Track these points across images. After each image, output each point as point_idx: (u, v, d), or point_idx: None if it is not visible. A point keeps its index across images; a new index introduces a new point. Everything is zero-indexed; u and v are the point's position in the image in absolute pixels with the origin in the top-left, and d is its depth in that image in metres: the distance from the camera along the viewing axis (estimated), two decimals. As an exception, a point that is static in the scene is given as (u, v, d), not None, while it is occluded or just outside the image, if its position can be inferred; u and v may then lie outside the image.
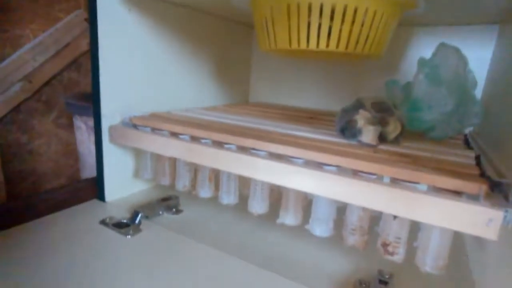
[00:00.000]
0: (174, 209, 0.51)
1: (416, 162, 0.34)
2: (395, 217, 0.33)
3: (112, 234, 0.43)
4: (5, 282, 0.33)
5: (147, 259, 0.38)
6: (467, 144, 0.47)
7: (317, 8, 0.41)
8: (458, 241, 0.45)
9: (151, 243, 0.42)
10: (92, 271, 0.35)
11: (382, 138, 0.42)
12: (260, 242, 0.44)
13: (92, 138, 0.53)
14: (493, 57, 0.57)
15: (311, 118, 0.60)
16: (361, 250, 0.37)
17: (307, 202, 0.42)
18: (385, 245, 0.34)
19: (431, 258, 0.32)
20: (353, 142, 0.41)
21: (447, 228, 0.28)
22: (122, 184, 0.55)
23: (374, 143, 0.40)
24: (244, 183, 0.47)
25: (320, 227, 0.39)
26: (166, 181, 0.51)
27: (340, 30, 0.42)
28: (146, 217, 0.47)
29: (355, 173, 0.33)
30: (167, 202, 0.51)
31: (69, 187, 0.59)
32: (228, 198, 0.46)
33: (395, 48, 0.65)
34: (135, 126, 0.49)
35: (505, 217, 0.26)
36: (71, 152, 1.26)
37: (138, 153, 0.54)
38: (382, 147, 0.40)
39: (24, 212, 0.47)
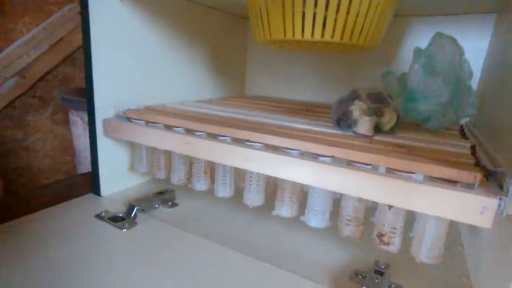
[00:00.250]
0: (170, 203, 0.50)
1: (411, 152, 0.34)
2: (390, 207, 0.33)
3: (108, 227, 0.43)
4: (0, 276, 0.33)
5: (143, 253, 0.38)
6: (463, 134, 0.47)
7: (312, -2, 0.40)
8: (453, 231, 0.45)
9: (146, 236, 0.42)
10: (87, 265, 0.35)
11: (377, 129, 0.41)
12: (256, 234, 0.44)
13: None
14: (489, 47, 0.56)
15: (307, 110, 0.59)
16: (357, 241, 0.37)
17: (303, 194, 0.42)
18: (380, 235, 0.34)
19: (426, 248, 0.32)
20: (349, 133, 0.41)
21: (442, 217, 0.28)
22: (118, 178, 0.54)
23: (369, 134, 0.40)
24: (240, 175, 0.47)
25: (316, 219, 0.39)
26: (161, 174, 0.51)
27: (335, 20, 0.42)
28: (142, 210, 0.47)
29: (350, 164, 0.33)
30: (163, 196, 0.51)
31: (64, 182, 0.59)
32: (224, 190, 0.46)
33: (392, 39, 0.64)
34: (129, 119, 0.49)
35: (499, 205, 0.26)
36: (68, 147, 1.25)
37: (133, 147, 0.54)
38: (378, 137, 0.40)
39: (19, 207, 0.47)
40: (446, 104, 0.43)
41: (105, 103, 0.49)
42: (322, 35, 0.43)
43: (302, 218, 0.40)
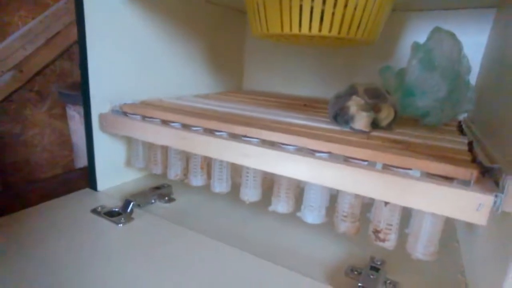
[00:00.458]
0: (166, 198, 0.50)
1: (408, 148, 0.34)
2: (386, 203, 0.33)
3: (104, 222, 0.43)
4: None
5: (139, 248, 0.38)
6: (460, 130, 0.47)
7: (310, -9, 0.40)
8: (449, 227, 0.45)
9: (142, 231, 0.42)
10: (83, 260, 0.35)
11: (375, 125, 0.41)
12: (253, 229, 0.44)
13: (86, 127, 0.52)
14: (488, 42, 0.56)
15: (304, 105, 0.59)
16: (353, 237, 0.37)
17: (299, 190, 0.42)
18: (376, 231, 0.34)
19: (422, 245, 0.32)
20: (346, 129, 0.41)
21: (438, 214, 0.28)
22: (114, 173, 0.54)
23: (366, 129, 0.40)
24: (237, 171, 0.47)
25: (312, 215, 0.38)
26: (158, 169, 0.51)
27: (333, 14, 0.41)
28: (138, 205, 0.47)
29: (347, 160, 0.33)
30: (160, 191, 0.50)
31: (61, 177, 0.59)
32: (220, 186, 0.45)
33: (390, 34, 0.64)
34: (125, 114, 0.48)
35: (494, 202, 0.26)
36: (66, 142, 1.25)
37: (130, 142, 0.53)
38: (375, 133, 0.40)
39: (15, 201, 0.47)
40: (444, 99, 0.43)
41: (101, 97, 0.49)
42: (320, 29, 0.42)
43: (298, 214, 0.40)
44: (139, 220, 0.44)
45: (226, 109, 0.50)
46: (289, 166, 0.34)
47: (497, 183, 0.28)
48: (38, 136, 1.18)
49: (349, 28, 0.42)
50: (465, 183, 0.29)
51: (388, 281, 0.34)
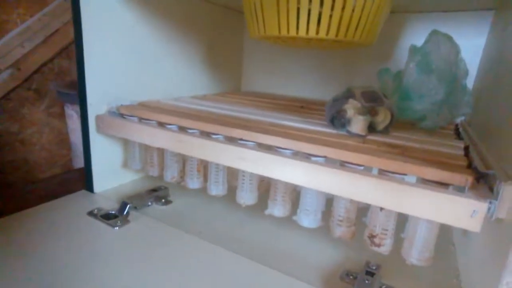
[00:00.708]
0: (163, 200, 0.50)
1: (404, 153, 0.34)
2: (381, 208, 0.33)
3: (100, 225, 0.43)
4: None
5: (135, 251, 0.38)
6: (457, 134, 0.47)
7: (307, -7, 0.40)
8: (445, 230, 0.45)
9: (139, 234, 0.42)
10: (78, 263, 0.35)
11: (371, 128, 0.41)
12: (249, 233, 0.44)
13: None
14: (486, 45, 0.56)
15: (302, 107, 0.59)
16: (348, 241, 0.37)
17: (295, 194, 0.42)
18: (371, 236, 0.34)
19: (417, 251, 0.32)
20: (343, 132, 0.41)
21: (433, 220, 0.28)
22: (111, 174, 0.54)
23: (363, 133, 0.40)
24: (233, 174, 0.46)
25: (308, 219, 0.38)
26: (154, 171, 0.50)
27: (330, 16, 0.41)
28: (135, 208, 0.47)
29: (343, 165, 0.33)
30: (156, 193, 0.50)
31: (58, 178, 0.59)
32: (217, 189, 0.45)
33: (389, 36, 0.64)
34: (122, 116, 0.48)
35: (489, 208, 0.26)
36: (64, 141, 1.25)
37: (126, 143, 0.53)
38: (371, 137, 0.40)
39: (12, 203, 0.47)
40: (441, 103, 0.43)
41: (97, 98, 0.49)
42: (317, 32, 0.42)
43: (294, 217, 0.40)
44: (135, 222, 0.44)
45: (223, 111, 0.50)
46: (285, 170, 0.34)
47: (491, 189, 0.28)
48: (36, 135, 1.17)
49: (347, 30, 0.42)
50: (460, 189, 0.29)
51: (383, 286, 0.34)
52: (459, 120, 0.57)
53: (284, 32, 0.43)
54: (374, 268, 0.35)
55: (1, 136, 1.08)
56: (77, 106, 0.98)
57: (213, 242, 0.40)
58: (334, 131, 0.41)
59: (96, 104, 0.49)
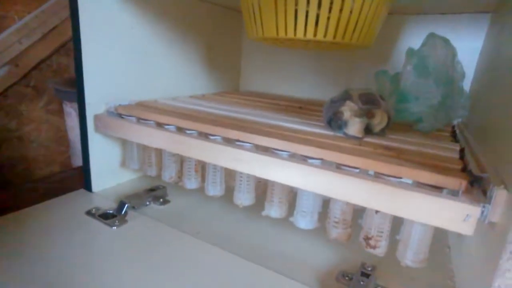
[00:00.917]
0: (161, 199, 0.50)
1: (400, 156, 0.34)
2: (377, 211, 0.34)
3: (98, 225, 0.43)
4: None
5: (133, 251, 0.38)
6: (454, 136, 0.47)
7: (305, -5, 0.40)
8: (441, 232, 0.46)
9: (137, 234, 0.42)
10: (76, 263, 0.35)
11: (368, 130, 0.41)
12: (246, 233, 0.44)
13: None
14: (483, 48, 0.56)
15: (300, 108, 0.59)
16: (344, 243, 0.37)
17: (292, 195, 0.42)
18: (367, 238, 0.35)
19: (411, 252, 0.33)
20: (339, 134, 0.41)
21: (427, 223, 0.29)
22: (109, 173, 0.54)
23: (359, 135, 0.40)
24: (231, 174, 0.47)
25: (305, 220, 0.39)
26: (152, 171, 0.51)
27: (328, 19, 0.41)
28: (133, 207, 0.47)
29: (339, 167, 0.33)
30: (154, 192, 0.51)
31: (56, 177, 0.59)
32: (214, 189, 0.46)
33: (387, 37, 0.64)
34: (120, 116, 0.48)
35: (482, 212, 0.26)
36: (63, 138, 1.24)
37: (124, 143, 0.54)
38: (368, 139, 0.40)
39: (10, 202, 0.47)
40: (437, 105, 0.43)
41: (96, 98, 0.49)
42: (315, 34, 0.42)
43: (291, 219, 0.40)
44: (133, 222, 0.44)
45: (221, 111, 0.50)
46: (281, 172, 0.34)
47: (485, 192, 0.28)
48: (35, 132, 1.17)
49: (344, 32, 0.42)
50: (454, 193, 0.29)
51: (378, 287, 0.34)
52: (456, 121, 0.57)
53: (282, 34, 0.43)
54: (369, 269, 0.36)
55: (-1, 133, 1.08)
56: (75, 104, 0.98)
57: (211, 242, 0.41)
58: (331, 133, 0.42)
59: (95, 103, 0.49)
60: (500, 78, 0.39)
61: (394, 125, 0.44)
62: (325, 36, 0.42)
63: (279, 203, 0.41)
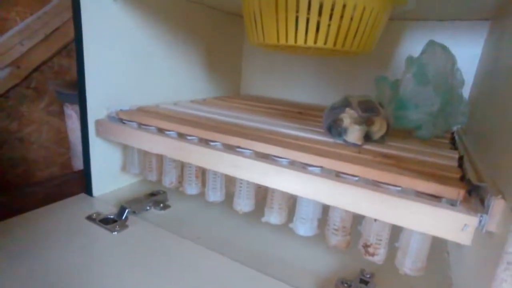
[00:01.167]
0: (161, 205, 0.51)
1: (399, 164, 0.34)
2: (375, 219, 0.34)
3: (99, 230, 0.43)
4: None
5: (133, 256, 0.39)
6: (453, 143, 0.47)
7: (305, 2, 0.40)
8: (440, 239, 0.46)
9: (137, 239, 0.42)
10: (77, 268, 0.36)
11: (367, 137, 0.42)
12: (245, 239, 0.45)
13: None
14: (482, 54, 0.56)
15: (300, 113, 0.59)
16: (343, 250, 0.38)
17: (292, 201, 0.43)
18: (366, 246, 0.35)
19: (410, 261, 0.33)
20: (339, 141, 0.41)
21: (425, 232, 0.29)
22: (110, 178, 0.55)
23: (359, 142, 0.40)
24: (231, 180, 0.47)
25: (304, 227, 0.39)
26: (153, 176, 0.51)
27: (329, 26, 0.41)
28: (134, 212, 0.47)
29: (338, 175, 0.34)
30: (155, 197, 0.51)
31: (57, 180, 0.59)
32: (215, 195, 0.46)
33: (387, 42, 0.64)
34: (121, 121, 0.49)
35: (480, 221, 0.27)
36: (63, 139, 1.25)
37: (125, 148, 0.54)
38: (367, 146, 0.40)
39: (10, 206, 0.47)
40: (437, 113, 0.43)
41: (98, 103, 0.49)
42: (315, 41, 0.43)
43: (290, 225, 0.40)
44: (134, 227, 0.44)
45: (222, 117, 0.51)
46: (280, 179, 0.35)
47: (483, 201, 0.28)
48: (35, 133, 1.17)
49: (345, 39, 0.43)
50: (452, 202, 0.29)
51: (377, 294, 0.34)
52: (455, 127, 0.57)
53: (282, 41, 0.44)
54: (368, 276, 0.36)
55: (0, 134, 1.08)
56: (77, 106, 0.98)
57: (211, 248, 0.41)
58: (331, 140, 0.42)
59: (96, 108, 0.49)
60: (499, 84, 0.39)
61: (393, 132, 0.44)
62: (325, 43, 0.43)
63: (279, 210, 0.41)
